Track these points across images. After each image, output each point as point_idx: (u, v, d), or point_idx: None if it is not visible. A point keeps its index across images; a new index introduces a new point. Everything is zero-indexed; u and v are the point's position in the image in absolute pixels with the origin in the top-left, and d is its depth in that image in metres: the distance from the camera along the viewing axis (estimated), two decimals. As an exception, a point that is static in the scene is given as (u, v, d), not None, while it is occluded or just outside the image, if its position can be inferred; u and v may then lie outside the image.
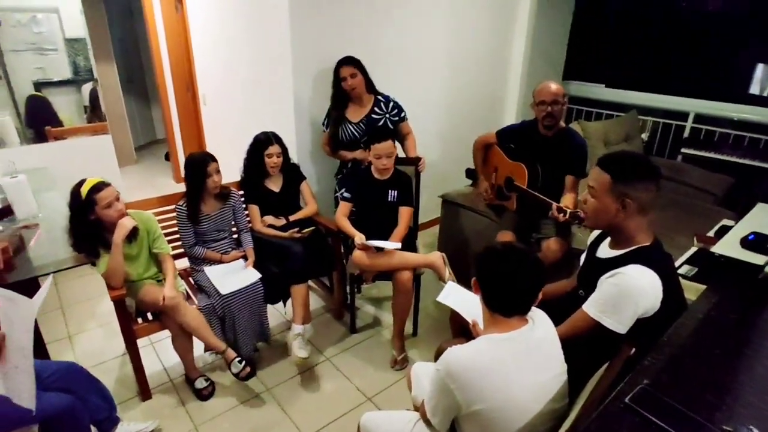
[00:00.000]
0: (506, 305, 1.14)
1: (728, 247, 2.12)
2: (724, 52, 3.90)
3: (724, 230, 2.42)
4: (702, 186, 3.38)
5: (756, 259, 1.95)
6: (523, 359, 1.10)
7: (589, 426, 0.85)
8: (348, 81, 2.50)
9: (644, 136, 3.99)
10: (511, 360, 1.09)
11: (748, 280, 1.44)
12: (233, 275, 2.24)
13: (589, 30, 4.36)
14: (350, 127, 2.60)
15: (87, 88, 3.47)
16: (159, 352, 2.44)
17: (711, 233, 2.49)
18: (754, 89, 3.91)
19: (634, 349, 1.11)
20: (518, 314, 1.15)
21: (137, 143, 5.66)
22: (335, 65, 2.53)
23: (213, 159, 2.22)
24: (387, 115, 2.65)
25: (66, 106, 3.41)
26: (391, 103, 2.67)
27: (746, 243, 2.12)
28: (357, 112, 2.62)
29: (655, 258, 1.30)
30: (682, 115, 3.97)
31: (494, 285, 1.14)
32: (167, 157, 5.23)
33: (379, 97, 2.65)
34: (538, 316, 1.18)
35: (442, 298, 1.71)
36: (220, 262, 2.32)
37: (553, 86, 2.25)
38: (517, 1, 3.73)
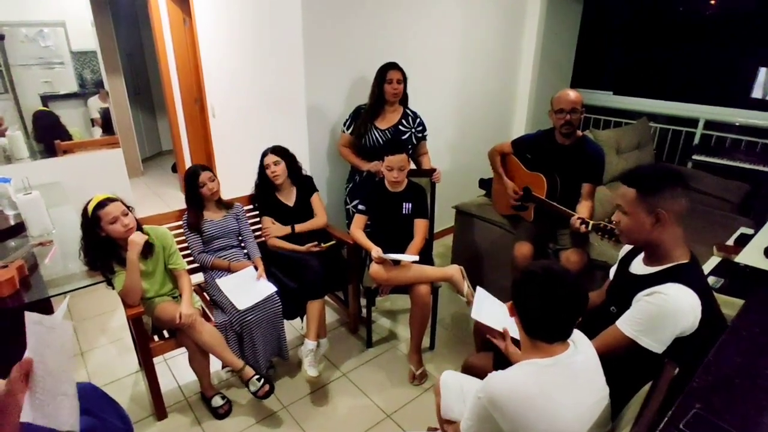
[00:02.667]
0: (550, 332, 1.10)
1: (752, 256, 2.09)
2: (732, 57, 3.90)
3: (744, 239, 2.40)
4: (717, 193, 3.35)
5: (783, 269, 1.93)
6: (568, 385, 1.06)
7: (645, 454, 0.81)
8: (394, 85, 2.52)
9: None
10: (556, 386, 1.05)
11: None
12: (247, 287, 2.20)
13: (596, 38, 4.37)
14: (376, 133, 2.59)
15: (94, 100, 3.46)
16: (173, 369, 2.40)
17: (730, 242, 2.46)
18: (760, 93, 3.91)
19: (677, 369, 1.08)
20: (560, 340, 1.11)
21: (143, 155, 5.66)
22: (382, 67, 2.54)
23: (204, 168, 2.29)
24: (413, 130, 2.66)
25: (73, 119, 3.40)
26: (418, 119, 2.69)
27: (771, 253, 2.09)
28: (386, 120, 2.63)
29: (694, 276, 1.27)
30: (692, 122, 3.96)
31: (537, 313, 1.09)
32: (174, 169, 5.23)
33: (408, 111, 2.67)
34: (578, 338, 1.14)
35: (475, 314, 1.67)
36: (229, 269, 2.29)
37: (572, 94, 2.24)
38: (525, 10, 3.73)
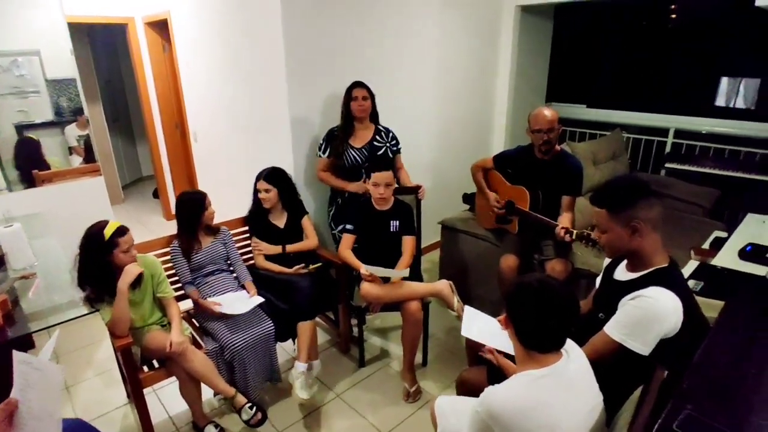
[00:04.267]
0: (544, 343, 1.13)
1: (728, 259, 2.18)
2: (696, 68, 4.09)
3: (719, 242, 2.49)
4: (690, 199, 3.48)
5: (757, 269, 2.02)
6: (564, 394, 1.09)
7: (643, 457, 0.84)
8: (359, 101, 2.55)
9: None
10: (552, 396, 1.08)
11: (763, 294, 1.46)
12: (240, 303, 2.20)
13: (568, 54, 4.54)
14: (353, 152, 2.62)
15: (71, 129, 3.42)
16: (163, 399, 2.34)
17: (706, 245, 2.55)
18: (723, 102, 4.10)
19: (666, 372, 1.12)
20: (554, 350, 1.14)
21: (123, 182, 5.59)
22: (349, 86, 2.58)
23: (206, 194, 2.33)
24: (387, 145, 2.70)
25: (51, 148, 3.35)
26: (391, 134, 2.74)
27: (744, 254, 2.19)
28: (360, 138, 2.66)
29: (674, 279, 1.33)
30: (663, 131, 4.12)
31: (532, 324, 1.12)
32: (156, 195, 5.17)
33: (380, 127, 2.71)
34: (570, 347, 1.18)
35: (465, 331, 1.68)
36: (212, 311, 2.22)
37: (548, 114, 2.31)
38: (499, 31, 3.86)
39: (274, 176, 2.46)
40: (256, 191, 2.47)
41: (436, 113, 3.59)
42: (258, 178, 2.46)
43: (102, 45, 5.23)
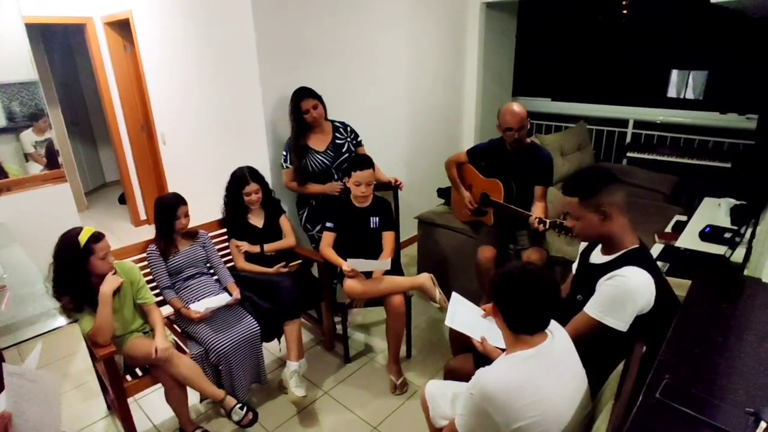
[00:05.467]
0: (531, 325, 1.19)
1: (690, 241, 2.33)
2: (648, 61, 4.30)
3: (679, 225, 2.65)
4: (650, 186, 3.66)
5: (716, 249, 2.17)
6: (551, 372, 1.16)
7: (630, 426, 0.91)
8: (312, 113, 2.52)
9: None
10: (540, 374, 1.14)
11: (724, 272, 1.58)
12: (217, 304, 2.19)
13: (532, 49, 4.68)
14: (318, 156, 2.61)
15: (27, 134, 3.28)
16: (145, 408, 2.30)
17: (668, 229, 2.71)
18: (674, 93, 4.34)
19: (645, 347, 1.20)
20: (541, 331, 1.20)
21: (86, 188, 5.38)
22: (293, 98, 2.53)
23: (183, 202, 2.25)
24: (348, 139, 2.71)
25: (6, 155, 3.20)
26: (348, 127, 2.73)
27: (704, 236, 2.34)
28: (320, 141, 2.63)
29: (645, 258, 1.42)
30: (623, 122, 4.32)
31: (518, 309, 1.18)
32: (122, 200, 5.00)
33: (336, 124, 2.70)
34: (554, 327, 1.24)
35: (449, 321, 1.72)
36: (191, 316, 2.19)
37: (517, 110, 2.37)
38: (465, 28, 3.94)
39: (256, 175, 2.45)
40: (234, 194, 2.43)
41: (408, 110, 3.64)
42: (243, 180, 2.40)
43: (57, 46, 5.00)
